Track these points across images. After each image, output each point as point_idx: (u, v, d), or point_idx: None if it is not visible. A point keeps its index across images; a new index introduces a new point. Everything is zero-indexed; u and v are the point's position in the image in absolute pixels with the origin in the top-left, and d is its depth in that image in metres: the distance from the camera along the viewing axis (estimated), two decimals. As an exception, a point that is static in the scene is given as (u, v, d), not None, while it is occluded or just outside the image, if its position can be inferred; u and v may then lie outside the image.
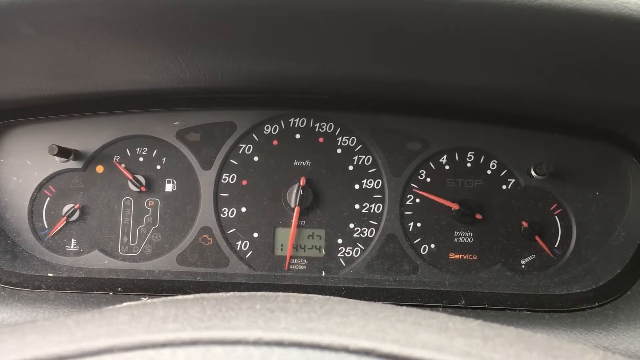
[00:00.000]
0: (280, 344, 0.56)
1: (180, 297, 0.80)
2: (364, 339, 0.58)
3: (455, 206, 1.67)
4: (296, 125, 1.73)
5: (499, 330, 0.69)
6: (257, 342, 0.56)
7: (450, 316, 0.73)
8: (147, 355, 0.54)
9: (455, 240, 1.70)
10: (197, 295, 0.80)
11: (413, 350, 0.57)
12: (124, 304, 0.78)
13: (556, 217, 1.69)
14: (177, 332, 0.57)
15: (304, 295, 0.79)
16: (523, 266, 1.69)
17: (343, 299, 0.79)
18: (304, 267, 1.71)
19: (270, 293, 0.81)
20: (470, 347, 0.61)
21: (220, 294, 0.81)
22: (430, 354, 0.57)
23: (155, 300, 0.78)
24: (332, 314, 0.66)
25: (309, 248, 1.72)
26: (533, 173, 1.67)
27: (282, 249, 1.71)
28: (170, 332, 0.57)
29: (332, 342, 0.57)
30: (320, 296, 0.80)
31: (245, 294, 0.81)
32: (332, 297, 0.80)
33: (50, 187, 1.72)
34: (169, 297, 0.80)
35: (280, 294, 0.80)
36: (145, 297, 1.51)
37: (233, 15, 1.11)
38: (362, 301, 0.78)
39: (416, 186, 1.71)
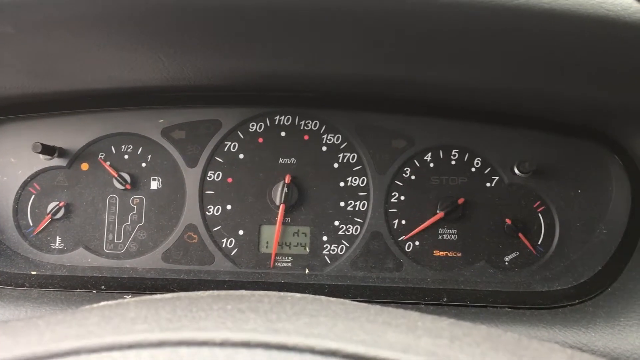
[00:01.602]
0: (246, 345, 0.57)
1: (156, 296, 0.80)
2: (330, 340, 0.58)
3: (440, 215, 1.68)
4: (281, 123, 1.73)
5: (468, 330, 0.69)
6: (223, 344, 0.57)
7: (421, 315, 0.74)
8: (113, 357, 0.54)
9: (440, 237, 1.71)
10: (174, 294, 0.80)
11: (379, 351, 0.58)
12: (101, 303, 0.79)
13: (539, 214, 1.71)
14: (144, 333, 0.57)
15: (279, 294, 0.80)
16: (506, 263, 1.70)
17: (318, 297, 0.80)
18: (289, 264, 1.71)
19: (247, 292, 0.81)
20: (436, 347, 0.61)
21: (198, 292, 0.81)
22: (395, 355, 0.58)
23: (130, 300, 0.78)
24: (302, 314, 0.67)
25: (294, 245, 1.72)
26: (516, 171, 1.68)
27: (267, 247, 1.72)
28: (137, 333, 0.57)
29: (298, 343, 0.57)
30: (296, 295, 0.80)
31: (223, 292, 0.81)
32: (307, 296, 0.80)
33: (35, 184, 1.72)
34: (144, 297, 0.80)
35: (256, 292, 0.81)
36: (128, 296, 1.52)
37: (216, 15, 1.11)
38: (338, 300, 0.79)
39: (401, 184, 1.72)
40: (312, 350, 0.56)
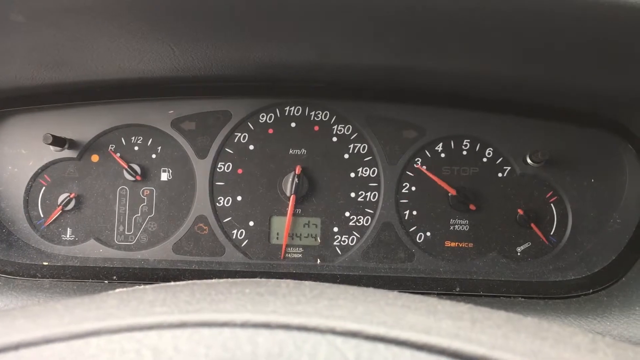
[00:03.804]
0: (267, 326, 0.56)
1: (172, 283, 0.80)
2: (351, 321, 0.58)
3: (453, 192, 1.67)
4: (291, 114, 1.73)
5: (488, 314, 0.69)
6: (244, 325, 0.56)
7: (439, 300, 0.73)
8: (134, 338, 0.54)
9: (451, 228, 1.70)
10: (189, 281, 0.80)
11: (400, 332, 0.57)
12: (117, 290, 0.79)
13: (552, 204, 1.69)
14: (164, 315, 0.57)
15: (295, 281, 0.80)
16: (519, 253, 1.69)
17: (334, 284, 0.79)
18: (300, 255, 1.71)
19: (263, 279, 0.81)
20: (458, 329, 0.61)
21: (212, 280, 0.81)
22: (417, 336, 0.57)
23: (146, 286, 0.78)
24: (321, 298, 0.66)
25: (304, 236, 1.72)
26: (529, 160, 1.67)
27: (277, 238, 1.72)
28: (157, 315, 0.57)
29: (319, 324, 0.57)
30: (312, 282, 0.80)
31: (238, 280, 0.81)
32: (323, 283, 0.80)
33: (46, 176, 1.72)
34: (161, 284, 0.80)
35: (272, 280, 0.80)
36: (140, 286, 1.52)
37: (227, 4, 1.10)
38: (353, 286, 0.78)
39: (412, 174, 1.71)
40: (334, 331, 0.56)
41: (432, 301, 0.72)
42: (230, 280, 0.80)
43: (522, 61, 1.34)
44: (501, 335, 0.61)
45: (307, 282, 0.78)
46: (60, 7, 1.11)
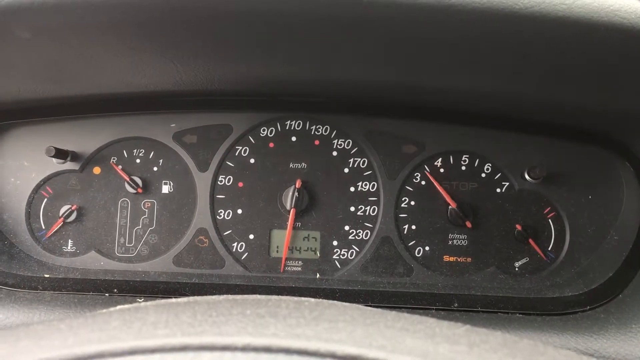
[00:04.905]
0: (268, 349, 0.57)
1: (173, 300, 0.81)
2: (351, 345, 0.59)
3: (453, 204, 1.68)
4: (292, 128, 1.74)
5: (485, 336, 0.70)
6: (245, 348, 0.57)
7: (438, 321, 0.74)
8: (137, 361, 0.55)
9: (450, 242, 1.71)
10: (191, 298, 0.81)
11: (399, 357, 0.58)
12: (118, 307, 0.80)
13: (550, 220, 1.71)
14: (166, 338, 0.58)
15: (295, 299, 0.81)
16: (517, 269, 1.70)
17: (334, 302, 0.80)
18: (299, 268, 1.72)
19: (263, 296, 0.82)
20: (455, 354, 0.62)
21: (214, 297, 0.82)
22: (415, 360, 0.58)
23: (149, 303, 0.79)
24: (320, 320, 0.67)
25: (304, 250, 1.73)
26: (527, 177, 1.69)
27: (277, 251, 1.73)
28: (160, 338, 0.58)
29: (320, 348, 0.58)
30: (311, 300, 0.81)
31: (239, 297, 0.82)
32: (323, 301, 0.81)
33: (48, 188, 1.73)
34: (163, 301, 0.81)
35: (273, 297, 0.81)
36: (140, 299, 1.52)
37: (229, 22, 1.12)
38: (353, 305, 0.79)
39: (411, 189, 1.72)
40: (334, 356, 0.57)
41: (430, 323, 0.73)
42: (230, 297, 0.81)
43: (520, 80, 1.36)
44: (497, 359, 0.62)
45: (306, 302, 0.79)
46: (65, 25, 1.13)
